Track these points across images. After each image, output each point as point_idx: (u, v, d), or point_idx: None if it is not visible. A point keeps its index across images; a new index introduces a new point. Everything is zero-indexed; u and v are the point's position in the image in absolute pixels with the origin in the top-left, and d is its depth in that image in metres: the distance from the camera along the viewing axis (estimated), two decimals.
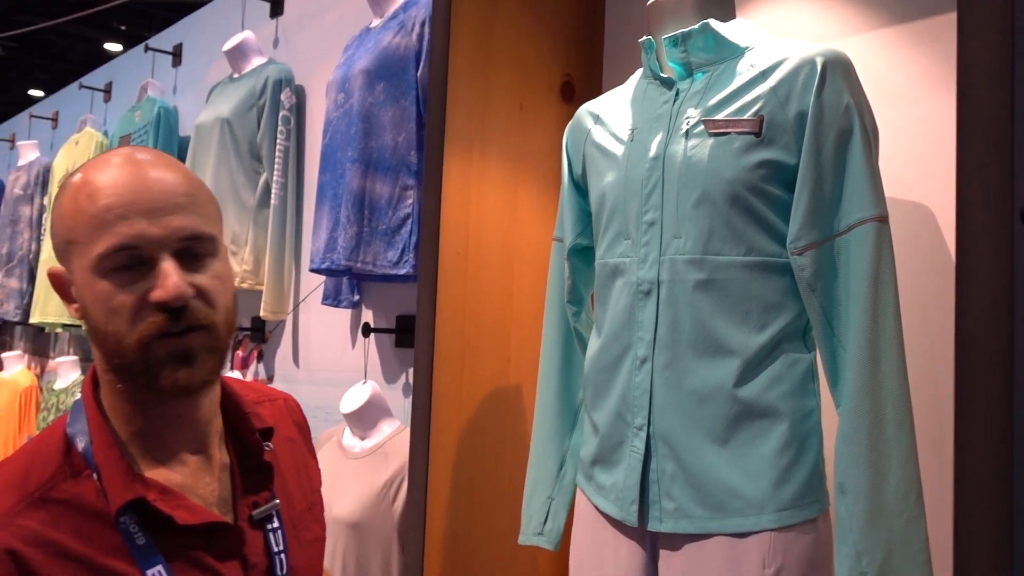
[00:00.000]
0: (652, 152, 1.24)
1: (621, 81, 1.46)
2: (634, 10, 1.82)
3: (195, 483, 0.94)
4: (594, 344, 1.33)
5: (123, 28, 7.66)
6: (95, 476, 0.88)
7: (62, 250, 0.91)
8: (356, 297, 2.42)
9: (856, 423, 1.10)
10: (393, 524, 2.04)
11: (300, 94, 2.79)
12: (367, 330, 2.23)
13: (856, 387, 1.10)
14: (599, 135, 1.37)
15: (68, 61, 8.94)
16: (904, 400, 1.09)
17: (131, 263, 0.87)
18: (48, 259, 3.73)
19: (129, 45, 4.06)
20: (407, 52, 2.11)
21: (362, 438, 2.15)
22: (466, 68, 1.61)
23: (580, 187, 1.45)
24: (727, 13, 1.29)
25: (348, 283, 2.42)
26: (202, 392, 0.93)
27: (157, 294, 0.86)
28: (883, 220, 1.12)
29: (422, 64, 2.10)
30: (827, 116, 1.14)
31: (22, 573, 0.82)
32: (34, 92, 9.44)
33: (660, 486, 1.20)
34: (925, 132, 1.33)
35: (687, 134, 1.22)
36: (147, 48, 3.55)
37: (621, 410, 1.25)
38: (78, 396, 0.96)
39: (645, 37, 1.30)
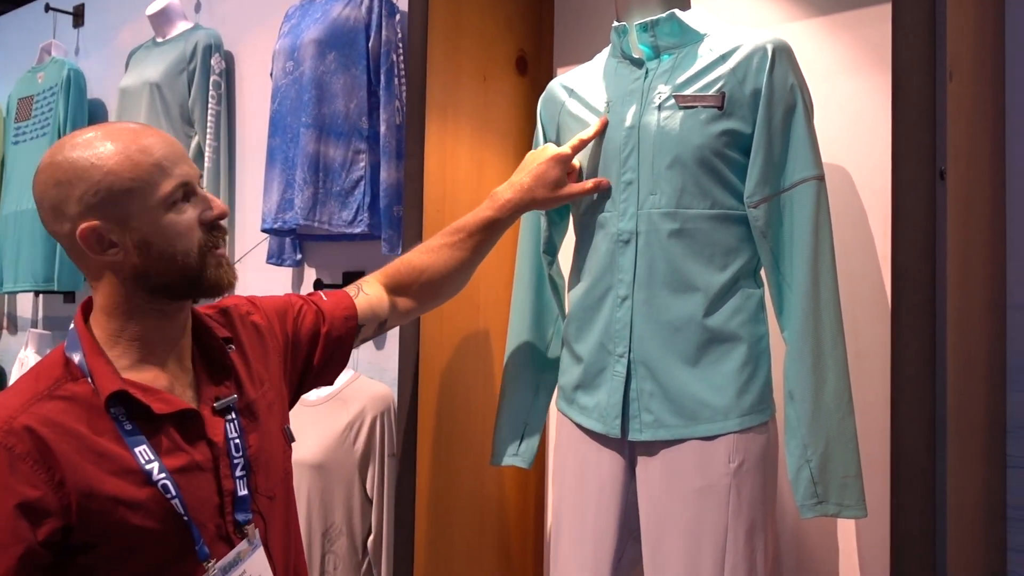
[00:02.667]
0: (628, 122, 1.47)
1: (570, 57, 1.68)
2: None
3: (172, 383, 1.18)
4: (579, 287, 1.55)
5: None
6: (89, 380, 1.10)
7: (109, 203, 1.11)
8: (299, 256, 2.54)
9: (801, 343, 1.36)
10: (354, 463, 2.20)
11: (229, 60, 2.85)
12: (319, 285, 2.37)
13: (800, 314, 1.37)
14: (574, 107, 1.58)
15: None
16: (838, 324, 1.37)
17: (186, 196, 1.15)
18: None
19: (15, 3, 3.91)
20: (357, 24, 2.25)
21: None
22: (441, 40, 1.78)
23: None
24: (685, 3, 1.52)
25: (291, 243, 2.54)
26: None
27: (213, 213, 1.17)
28: (821, 179, 1.39)
29: (372, 35, 2.24)
30: (776, 94, 1.39)
31: (38, 447, 1.04)
32: None
33: (640, 402, 1.44)
34: (851, 107, 1.61)
35: (660, 107, 1.44)
36: (48, 8, 3.47)
37: (604, 340, 1.48)
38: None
39: (619, 23, 1.51)
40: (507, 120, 1.94)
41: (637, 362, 1.44)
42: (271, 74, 2.43)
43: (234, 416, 1.21)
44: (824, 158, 1.41)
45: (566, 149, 1.52)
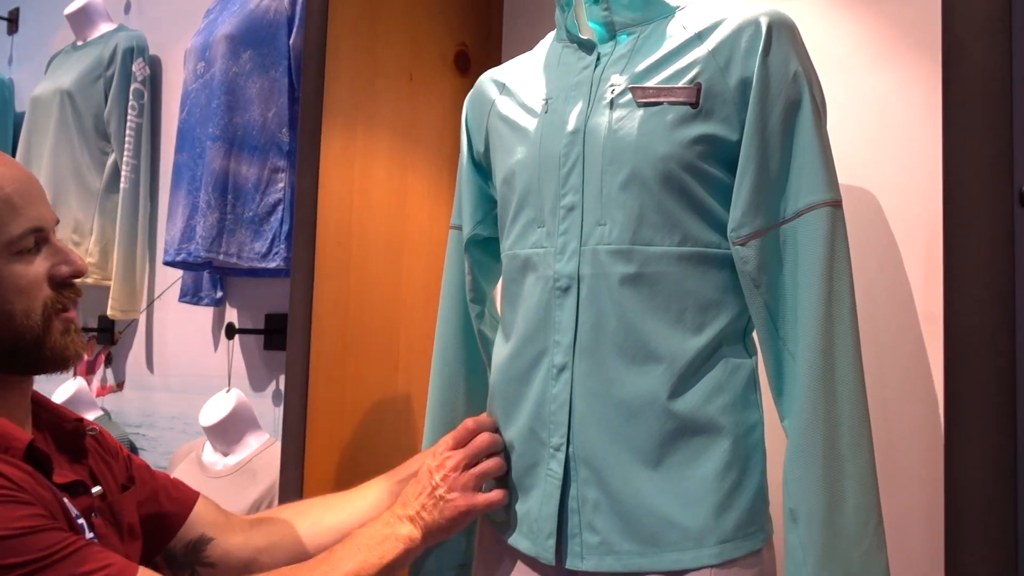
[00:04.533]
0: (571, 125, 1.06)
1: (523, 51, 1.28)
2: None
3: None
4: (501, 349, 1.14)
5: None
6: None
7: None
8: (219, 294, 2.15)
9: (808, 440, 0.95)
10: None
11: (155, 65, 2.49)
12: (231, 331, 1.97)
13: (807, 398, 0.95)
14: (506, 106, 1.18)
15: None
16: (862, 413, 0.95)
17: (37, 244, 0.98)
18: None
19: None
20: (278, 16, 1.87)
21: (225, 454, 1.89)
22: (349, 31, 1.40)
23: (482, 167, 1.26)
24: None
25: (210, 278, 2.15)
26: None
27: (67, 270, 1.00)
28: (836, 205, 0.98)
29: (295, 30, 1.86)
30: (773, 84, 0.99)
31: None
32: None
33: (581, 516, 1.02)
34: (878, 105, 1.20)
35: (612, 104, 1.04)
36: None
37: (535, 426, 1.07)
38: None
39: None
40: (439, 129, 1.54)
41: (578, 459, 1.03)
42: (184, 79, 2.05)
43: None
44: (840, 176, 1.01)
45: (478, 502, 1.09)
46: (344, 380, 1.39)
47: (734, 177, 1.01)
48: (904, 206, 1.17)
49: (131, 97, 2.39)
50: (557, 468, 1.04)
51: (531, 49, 1.26)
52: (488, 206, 1.26)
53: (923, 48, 1.16)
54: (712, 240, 1.01)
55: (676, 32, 1.05)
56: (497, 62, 1.63)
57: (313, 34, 1.38)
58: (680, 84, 1.01)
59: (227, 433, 1.86)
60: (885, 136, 1.20)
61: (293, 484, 1.36)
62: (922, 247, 1.15)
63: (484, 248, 1.26)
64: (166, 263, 1.99)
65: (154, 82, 2.46)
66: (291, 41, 1.86)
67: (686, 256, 1.00)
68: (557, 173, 1.06)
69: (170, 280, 2.32)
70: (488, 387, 1.22)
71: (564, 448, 1.03)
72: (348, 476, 1.38)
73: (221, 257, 1.84)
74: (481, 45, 1.62)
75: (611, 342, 1.01)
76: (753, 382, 1.03)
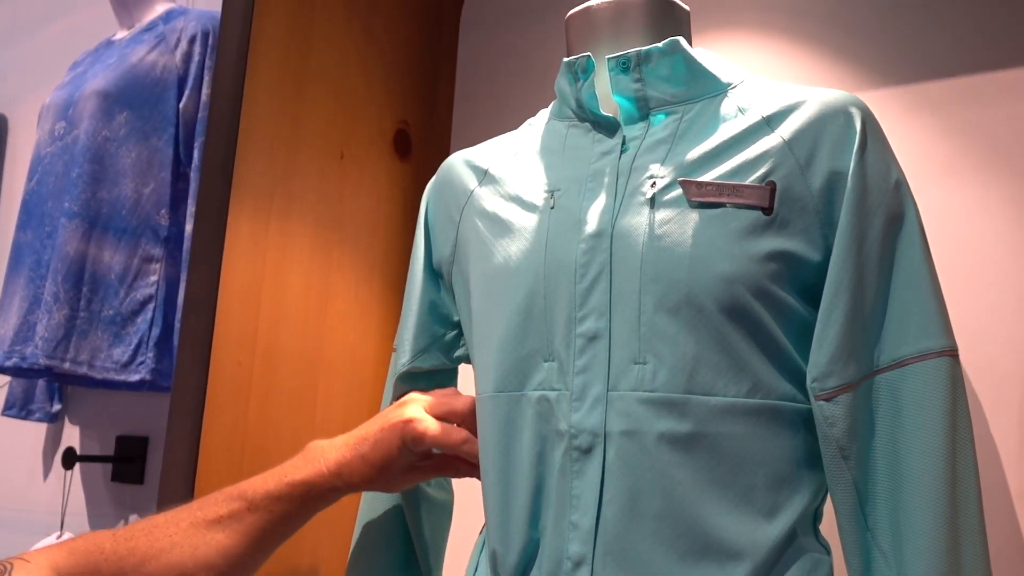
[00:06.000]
0: (591, 226, 0.79)
1: (473, 136, 1.02)
2: (493, 43, 1.40)
3: None
4: (492, 540, 0.82)
5: None
6: None
7: None
8: (55, 407, 1.73)
9: None
10: None
11: (0, 126, 2.08)
12: (71, 457, 1.55)
13: None
14: (490, 199, 0.90)
15: None
16: None
17: None
18: None
19: None
20: (166, 74, 1.54)
21: None
22: (268, 93, 1.10)
23: (440, 278, 0.97)
24: (684, 31, 0.90)
25: (46, 387, 1.72)
26: None
27: None
28: (954, 355, 0.74)
29: (188, 91, 1.53)
30: (872, 193, 0.75)
31: None
32: None
33: None
34: (942, 229, 1.00)
35: (653, 201, 0.78)
36: None
37: None
38: None
39: (573, 58, 0.86)
40: (374, 220, 1.24)
41: None
42: (37, 140, 1.67)
43: None
44: None
45: (430, 430, 0.83)
46: None
47: (812, 308, 0.76)
48: (991, 360, 0.95)
49: None
50: None
51: (492, 133, 0.99)
52: (438, 330, 0.97)
53: (1011, 159, 0.97)
54: (787, 391, 0.75)
55: (733, 114, 0.81)
56: (444, 148, 1.36)
57: (224, 90, 1.07)
58: (748, 181, 0.76)
59: None
60: (961, 268, 0.99)
61: None
62: (1015, 411, 0.93)
63: (424, 386, 0.95)
64: None
65: None
66: (181, 104, 1.53)
67: (756, 411, 0.74)
68: (572, 288, 0.78)
69: None
70: None
71: None
72: None
73: (67, 365, 1.44)
74: (424, 125, 1.34)
75: (652, 529, 0.72)
76: None
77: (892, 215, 0.75)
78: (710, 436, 0.72)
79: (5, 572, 0.71)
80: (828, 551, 0.77)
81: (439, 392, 0.89)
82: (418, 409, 0.85)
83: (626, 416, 0.74)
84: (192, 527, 0.79)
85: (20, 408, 1.72)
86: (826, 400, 0.73)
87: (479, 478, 0.84)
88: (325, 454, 0.84)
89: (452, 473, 0.89)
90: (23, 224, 1.59)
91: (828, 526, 0.78)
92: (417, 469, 0.87)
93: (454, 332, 0.97)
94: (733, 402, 0.73)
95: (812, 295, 0.76)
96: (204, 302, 1.02)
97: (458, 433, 0.83)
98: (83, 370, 1.44)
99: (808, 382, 0.74)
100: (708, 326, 0.73)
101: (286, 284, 1.11)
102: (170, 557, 0.77)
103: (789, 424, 0.75)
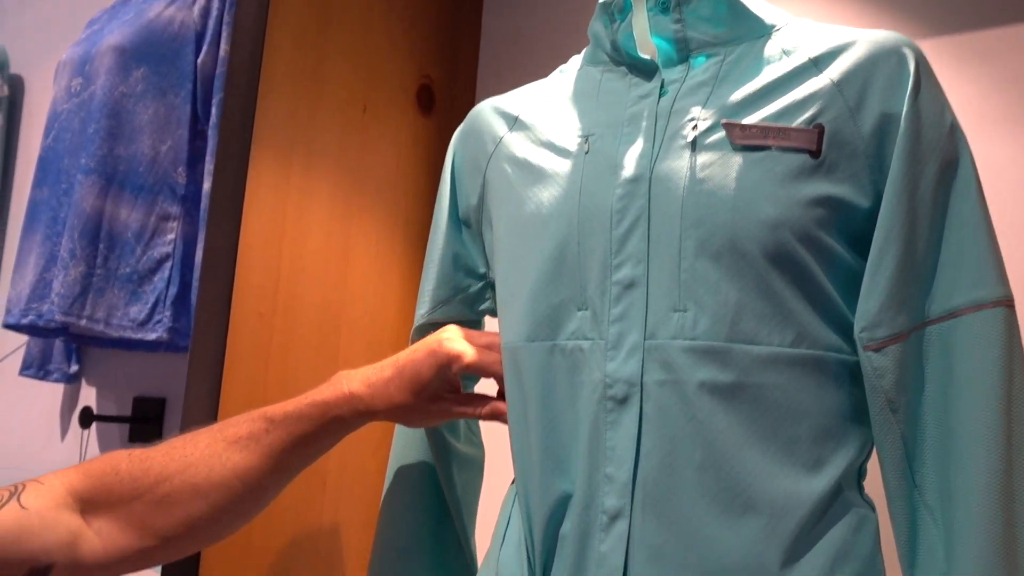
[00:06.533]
0: (628, 170, 0.76)
1: (501, 92, 0.99)
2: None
3: None
4: (523, 493, 0.80)
5: None
6: None
7: None
8: (72, 368, 1.71)
9: None
10: None
11: (15, 85, 2.06)
12: (88, 417, 1.54)
13: None
14: (521, 145, 0.87)
15: None
16: None
17: None
18: None
19: None
20: (184, 29, 1.51)
21: None
22: (288, 46, 1.07)
23: (466, 227, 0.94)
24: None
25: (63, 347, 1.71)
26: None
27: None
28: (1011, 304, 0.71)
29: (206, 47, 1.50)
30: (926, 137, 0.72)
31: None
32: None
33: None
34: (1010, 179, 0.96)
35: (694, 144, 0.75)
36: None
37: None
38: None
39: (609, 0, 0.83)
40: (395, 175, 1.22)
41: None
42: (54, 97, 1.65)
43: None
44: None
45: (468, 352, 0.81)
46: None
47: (860, 257, 0.73)
48: None
49: None
50: None
51: (514, 88, 0.96)
52: (461, 281, 0.94)
53: None
54: (832, 342, 0.72)
55: (777, 57, 0.77)
56: (468, 104, 1.33)
57: (245, 41, 1.04)
58: (795, 124, 0.73)
59: None
60: (1012, 220, 0.95)
61: None
62: None
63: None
64: (6, 326, 1.54)
65: (13, 104, 2.03)
66: (199, 60, 1.51)
67: (801, 361, 0.71)
68: (608, 235, 0.75)
69: (10, 347, 1.85)
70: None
71: None
72: None
73: (83, 322, 1.42)
74: (448, 80, 1.31)
75: (692, 481, 0.69)
76: (879, 544, 0.73)
77: (946, 160, 0.72)
78: (753, 387, 0.70)
79: (15, 493, 0.69)
80: (873, 508, 0.74)
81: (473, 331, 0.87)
82: (456, 332, 0.84)
83: (665, 365, 0.71)
84: (210, 447, 0.78)
85: (38, 368, 1.70)
86: (875, 351, 0.70)
87: (505, 422, 0.82)
88: (350, 378, 0.84)
89: (475, 412, 0.86)
90: (39, 181, 1.57)
91: (872, 483, 0.75)
92: (443, 401, 0.85)
93: (479, 284, 0.95)
94: (777, 352, 0.70)
95: (860, 243, 0.73)
96: (224, 255, 0.99)
97: (494, 355, 0.82)
98: (99, 327, 1.42)
99: (856, 332, 0.71)
100: (752, 273, 0.70)
101: (307, 239, 1.08)
102: (184, 477, 0.76)
103: (834, 376, 0.72)
